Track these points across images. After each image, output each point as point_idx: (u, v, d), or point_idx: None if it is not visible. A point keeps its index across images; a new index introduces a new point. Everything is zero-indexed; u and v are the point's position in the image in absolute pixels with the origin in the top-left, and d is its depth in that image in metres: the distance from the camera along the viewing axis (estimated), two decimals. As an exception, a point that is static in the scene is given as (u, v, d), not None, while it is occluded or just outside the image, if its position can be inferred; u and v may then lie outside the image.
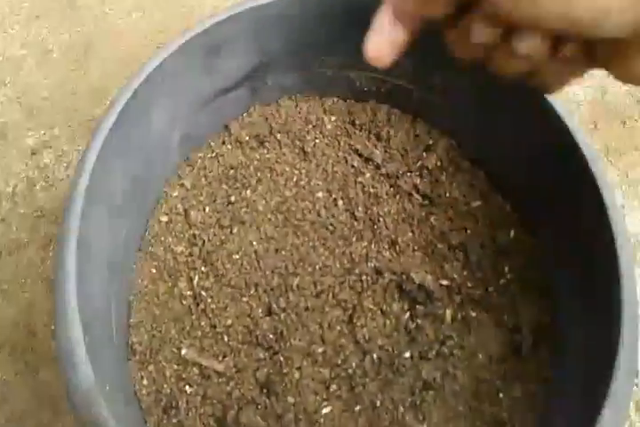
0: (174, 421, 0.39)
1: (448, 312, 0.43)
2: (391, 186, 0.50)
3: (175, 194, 0.48)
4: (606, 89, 0.70)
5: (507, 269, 0.44)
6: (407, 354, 0.41)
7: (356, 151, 0.52)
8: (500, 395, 0.40)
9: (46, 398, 0.49)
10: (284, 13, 0.46)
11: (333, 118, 0.54)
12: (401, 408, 0.39)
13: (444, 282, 0.44)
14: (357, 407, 0.40)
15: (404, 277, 0.44)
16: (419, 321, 0.43)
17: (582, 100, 0.69)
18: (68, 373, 0.31)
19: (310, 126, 0.53)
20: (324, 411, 0.40)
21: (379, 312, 0.43)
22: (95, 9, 0.74)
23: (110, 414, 0.30)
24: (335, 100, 0.55)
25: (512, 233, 0.46)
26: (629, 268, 0.33)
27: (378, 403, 0.40)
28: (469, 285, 0.44)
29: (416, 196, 0.49)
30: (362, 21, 0.46)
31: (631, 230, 0.59)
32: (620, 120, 0.68)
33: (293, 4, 0.46)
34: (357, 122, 0.53)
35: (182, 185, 0.49)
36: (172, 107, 0.46)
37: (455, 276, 0.44)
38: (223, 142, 0.51)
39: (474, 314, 0.43)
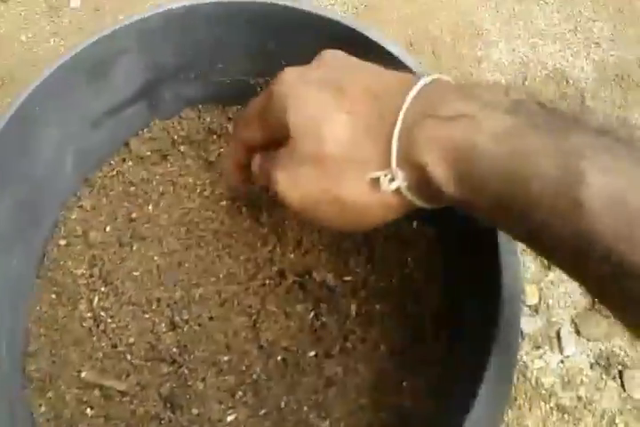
0: (73, 445, 0.38)
1: (352, 307, 0.42)
2: (296, 188, 0.49)
3: (74, 216, 0.47)
4: (526, 75, 0.70)
5: (409, 259, 0.44)
6: (312, 353, 0.41)
7: (261, 157, 0.51)
8: (404, 384, 0.39)
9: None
10: (173, 25, 0.46)
11: (238, 126, 0.54)
12: (305, 408, 0.39)
13: (348, 278, 0.43)
14: (262, 411, 0.39)
15: (306, 277, 0.43)
16: (323, 319, 0.42)
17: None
18: None
19: (214, 136, 0.52)
20: (229, 418, 0.39)
21: (282, 315, 0.42)
22: (13, 38, 0.73)
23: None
24: (238, 107, 0.54)
25: (415, 224, 0.45)
26: (511, 261, 0.34)
27: (283, 405, 0.39)
28: (373, 278, 0.43)
29: (321, 195, 0.48)
30: (255, 27, 0.47)
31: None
32: (539, 103, 0.67)
33: (180, 14, 0.46)
34: (262, 128, 0.52)
35: (81, 207, 0.48)
36: (59, 129, 0.45)
37: (359, 270, 0.44)
38: (124, 160, 0.51)
39: (378, 307, 0.42)
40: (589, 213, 0.21)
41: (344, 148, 0.27)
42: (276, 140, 0.31)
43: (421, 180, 0.26)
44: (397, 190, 0.27)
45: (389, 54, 0.42)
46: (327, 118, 0.28)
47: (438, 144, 0.25)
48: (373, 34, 0.43)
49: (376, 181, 0.27)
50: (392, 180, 0.26)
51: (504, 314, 0.32)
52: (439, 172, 0.25)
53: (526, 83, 0.70)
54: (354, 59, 0.32)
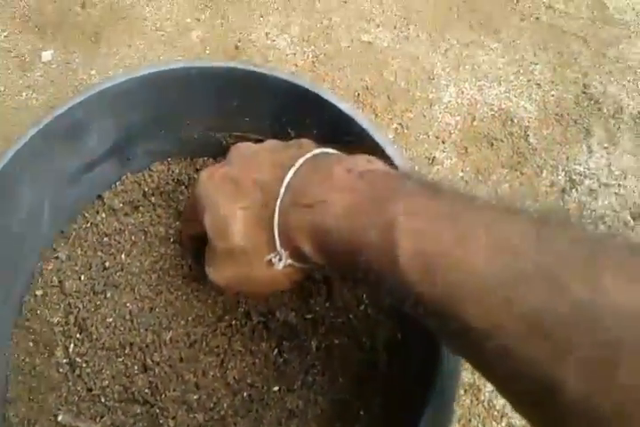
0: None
1: (313, 343, 0.45)
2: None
3: (50, 267, 0.50)
4: (474, 116, 0.75)
5: (364, 295, 0.47)
6: (276, 388, 0.44)
7: (226, 204, 0.54)
8: (361, 413, 0.42)
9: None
10: (144, 89, 0.49)
11: (204, 176, 0.57)
12: (269, 441, 0.41)
13: (309, 316, 0.46)
14: (230, 447, 0.42)
15: (269, 316, 0.46)
16: (286, 356, 0.45)
17: (453, 129, 0.74)
18: None
19: (183, 186, 0.56)
20: (198, 455, 0.41)
21: (248, 353, 0.45)
22: (-15, 91, 0.76)
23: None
24: (205, 159, 0.58)
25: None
26: None
27: (249, 439, 0.42)
28: (332, 314, 0.47)
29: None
30: (220, 87, 0.51)
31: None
32: (487, 142, 0.72)
33: (151, 79, 0.49)
34: (227, 177, 0.56)
35: (57, 257, 0.51)
36: (38, 186, 0.48)
37: (318, 308, 0.47)
38: (97, 212, 0.54)
39: (337, 341, 0.45)
40: (402, 270, 0.27)
41: (244, 240, 0.35)
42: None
43: (299, 254, 0.33)
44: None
45: (338, 110, 0.47)
46: (228, 217, 0.36)
47: (303, 228, 0.32)
48: (324, 93, 0.48)
49: (271, 261, 0.35)
50: (280, 259, 0.34)
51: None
52: (307, 248, 0.33)
53: (474, 123, 0.74)
54: (253, 148, 0.41)
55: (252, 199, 0.35)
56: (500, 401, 0.55)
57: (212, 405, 0.43)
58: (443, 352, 0.36)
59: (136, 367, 0.45)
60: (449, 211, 0.28)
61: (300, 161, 0.35)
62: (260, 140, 0.55)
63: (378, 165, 0.34)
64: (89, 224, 0.53)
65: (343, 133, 0.49)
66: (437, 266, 0.26)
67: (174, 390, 0.44)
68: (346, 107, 0.47)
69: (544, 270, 0.24)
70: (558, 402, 0.23)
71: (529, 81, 0.77)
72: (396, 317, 0.45)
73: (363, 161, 0.34)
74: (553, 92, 0.76)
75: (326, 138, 0.50)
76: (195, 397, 0.44)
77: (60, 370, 0.45)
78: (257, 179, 0.36)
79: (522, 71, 0.78)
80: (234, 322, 0.47)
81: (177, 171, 0.57)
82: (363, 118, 0.47)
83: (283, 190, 0.34)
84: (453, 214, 0.28)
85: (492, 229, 0.26)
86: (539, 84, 0.77)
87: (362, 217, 0.30)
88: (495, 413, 0.55)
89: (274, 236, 0.34)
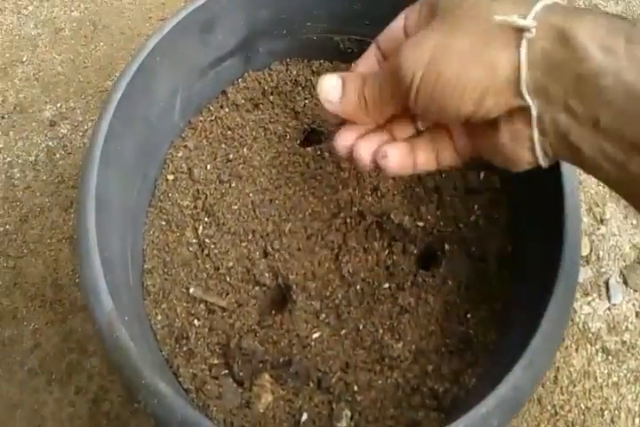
0: (185, 349, 0.45)
1: (422, 247, 0.48)
2: (374, 137, 0.55)
3: (180, 155, 0.54)
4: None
5: (476, 206, 0.49)
6: (386, 285, 0.47)
7: (343, 108, 0.56)
8: (468, 315, 0.45)
9: (74, 342, 0.56)
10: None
11: (321, 79, 0.59)
12: (380, 330, 0.45)
13: (420, 223, 0.49)
14: (343, 331, 0.46)
15: (384, 218, 0.49)
16: (395, 258, 0.48)
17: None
18: (92, 303, 0.37)
19: (300, 88, 0.58)
20: (315, 335, 0.46)
21: (361, 250, 0.49)
22: (102, -13, 0.78)
23: (128, 334, 0.36)
24: (322, 61, 0.59)
25: (482, 174, 0.51)
26: (574, 208, 0.39)
27: (361, 327, 0.46)
28: (442, 223, 0.49)
29: (397, 145, 0.54)
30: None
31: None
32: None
33: None
34: (343, 81, 0.58)
35: (186, 146, 0.54)
36: (172, 78, 0.51)
37: (429, 217, 0.49)
38: (221, 106, 0.56)
39: (447, 247, 0.48)
40: None
41: None
42: None
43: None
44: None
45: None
46: None
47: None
48: None
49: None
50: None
51: (565, 259, 0.37)
52: None
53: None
54: None
55: None
56: (596, 324, 0.58)
57: (327, 293, 0.47)
58: (561, 271, 0.37)
59: (257, 253, 0.49)
60: None
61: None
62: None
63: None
64: (214, 117, 0.56)
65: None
66: None
67: (294, 275, 0.48)
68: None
69: None
70: None
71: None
72: (508, 230, 0.48)
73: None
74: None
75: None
76: (312, 285, 0.48)
77: (190, 249, 0.50)
78: None
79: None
80: (348, 220, 0.50)
81: (294, 72, 0.58)
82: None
83: None
84: None
85: None
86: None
87: None
88: (590, 335, 0.57)
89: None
